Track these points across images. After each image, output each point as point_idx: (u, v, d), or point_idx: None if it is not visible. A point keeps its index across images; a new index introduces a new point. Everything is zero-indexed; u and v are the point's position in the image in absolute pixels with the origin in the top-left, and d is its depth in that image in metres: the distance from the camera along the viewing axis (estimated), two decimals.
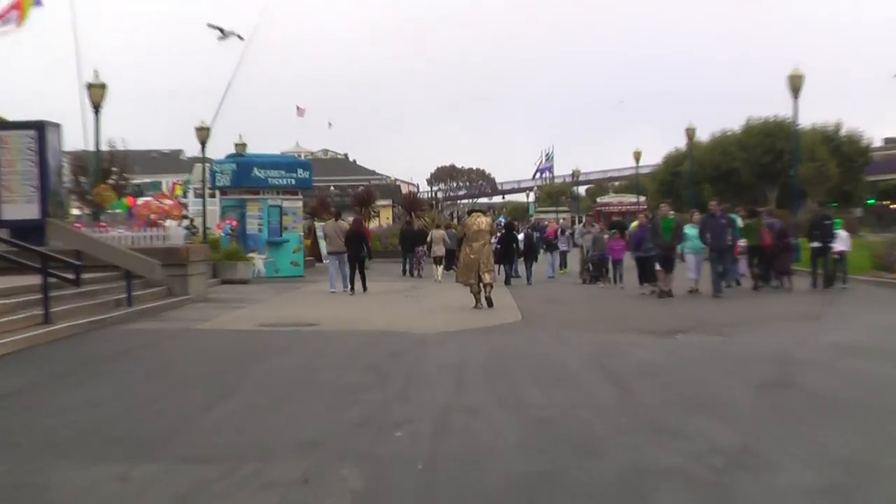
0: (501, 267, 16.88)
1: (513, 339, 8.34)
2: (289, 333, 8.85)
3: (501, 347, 7.76)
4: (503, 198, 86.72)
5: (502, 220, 46.70)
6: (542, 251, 24.63)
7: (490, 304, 11.56)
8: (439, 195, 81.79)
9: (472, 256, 11.69)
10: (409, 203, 30.53)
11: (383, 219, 47.34)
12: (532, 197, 69.57)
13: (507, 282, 16.77)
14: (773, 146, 35.50)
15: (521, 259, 18.01)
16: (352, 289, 14.35)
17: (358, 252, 14.46)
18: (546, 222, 37.79)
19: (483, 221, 11.90)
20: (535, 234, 30.83)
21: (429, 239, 18.97)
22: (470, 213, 12.83)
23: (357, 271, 14.47)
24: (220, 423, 4.72)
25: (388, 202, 51.91)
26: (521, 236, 19.03)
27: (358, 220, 15.67)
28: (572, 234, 23.06)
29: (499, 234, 18.30)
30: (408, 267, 20.66)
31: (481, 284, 11.66)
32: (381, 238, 26.21)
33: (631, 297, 13.45)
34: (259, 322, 9.80)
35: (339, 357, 7.21)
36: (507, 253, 16.94)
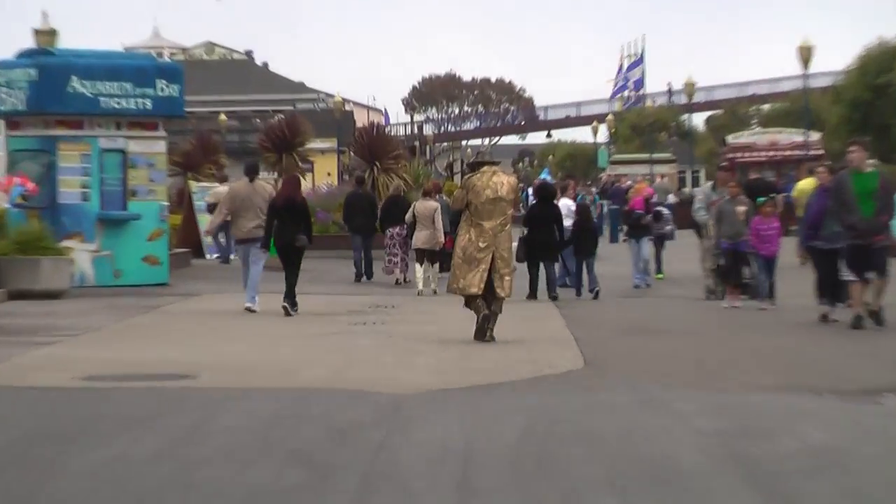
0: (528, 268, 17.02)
1: (567, 405, 8.39)
2: (142, 394, 8.89)
3: (546, 421, 7.78)
4: (549, 136, 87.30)
5: (545, 176, 46.94)
6: (620, 236, 24.62)
7: (487, 334, 11.73)
8: (427, 131, 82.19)
9: (480, 244, 11.82)
10: (370, 145, 30.47)
11: (321, 175, 47.51)
12: (604, 135, 69.77)
13: (551, 294, 16.96)
14: None
15: (570, 252, 18.15)
16: (291, 304, 14.64)
17: (293, 236, 14.71)
18: (629, 182, 37.98)
19: (503, 182, 12.01)
20: (605, 205, 30.45)
21: (409, 215, 18.99)
22: (474, 166, 12.89)
23: (293, 268, 14.85)
24: None
25: (328, 144, 52.04)
26: (569, 206, 19.08)
27: (293, 181, 15.83)
28: (674, 207, 22.94)
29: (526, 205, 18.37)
30: (363, 266, 20.94)
31: (490, 311, 11.80)
32: (318, 211, 26.29)
33: (796, 326, 13.53)
34: (84, 372, 9.83)
35: (239, 438, 7.22)
36: (539, 240, 17.09)
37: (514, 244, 14.43)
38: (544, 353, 11.25)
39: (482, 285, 11.74)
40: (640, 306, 16.62)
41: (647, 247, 19.49)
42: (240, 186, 15.84)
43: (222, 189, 25.07)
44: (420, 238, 18.44)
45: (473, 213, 11.90)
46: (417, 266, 18.55)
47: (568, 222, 18.21)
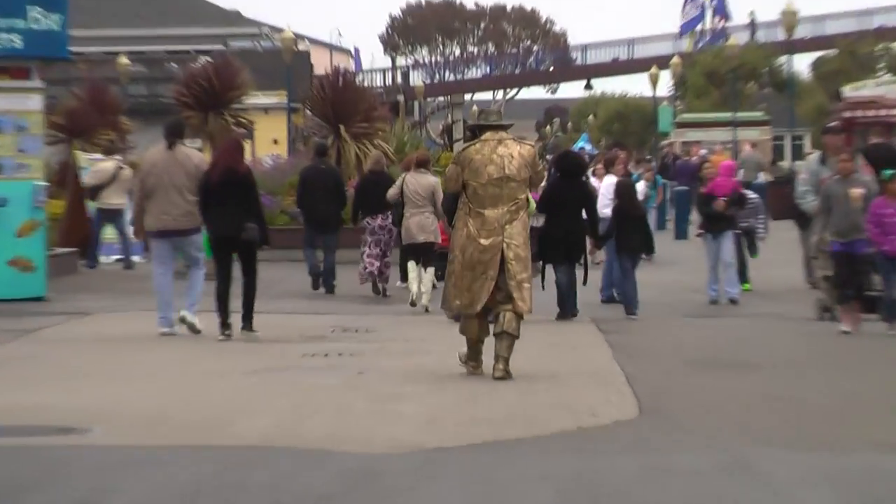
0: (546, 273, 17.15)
1: (615, 470, 8.40)
2: (11, 456, 8.84)
3: (585, 493, 7.79)
4: (588, 87, 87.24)
5: (584, 145, 46.48)
6: (690, 230, 24.39)
7: (500, 366, 11.82)
8: (416, 80, 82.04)
9: (482, 242, 11.86)
10: (335, 100, 30.42)
11: (264, 142, 47.19)
12: (667, 85, 69.75)
13: (570, 308, 17.10)
14: None
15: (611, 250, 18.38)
16: (224, 323, 14.89)
17: (237, 225, 14.80)
18: (703, 153, 37.78)
19: (512, 154, 12.04)
20: (669, 186, 30.31)
21: (394, 191, 18.89)
22: (475, 130, 12.90)
23: (245, 274, 15.12)
24: None
25: (275, 99, 51.75)
26: (607, 185, 19.02)
27: (233, 146, 15.79)
28: (767, 189, 22.65)
29: (545, 186, 18.26)
30: (324, 273, 21.06)
31: (502, 315, 11.86)
32: (261, 194, 26.29)
33: None
34: None
35: None
36: (559, 232, 17.17)
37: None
38: (582, 395, 11.24)
39: (486, 299, 11.82)
40: (719, 330, 16.59)
41: (731, 245, 19.37)
42: (155, 156, 15.75)
43: (107, 166, 25.05)
44: (412, 227, 18.27)
45: (472, 199, 11.94)
46: (411, 265, 18.52)
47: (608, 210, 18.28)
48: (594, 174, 23.85)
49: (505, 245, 11.82)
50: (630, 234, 17.82)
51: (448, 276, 12.22)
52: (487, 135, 12.20)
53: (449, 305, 12.27)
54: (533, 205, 15.77)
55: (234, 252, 15.01)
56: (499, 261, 11.79)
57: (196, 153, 16.26)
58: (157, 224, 15.36)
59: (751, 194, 20.57)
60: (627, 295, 17.79)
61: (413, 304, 18.15)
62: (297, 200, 22.69)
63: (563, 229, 17.03)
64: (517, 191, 11.99)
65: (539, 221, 16.83)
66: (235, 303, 15.04)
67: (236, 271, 15.18)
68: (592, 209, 17.33)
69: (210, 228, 14.94)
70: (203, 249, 15.53)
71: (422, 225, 18.18)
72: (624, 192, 18.42)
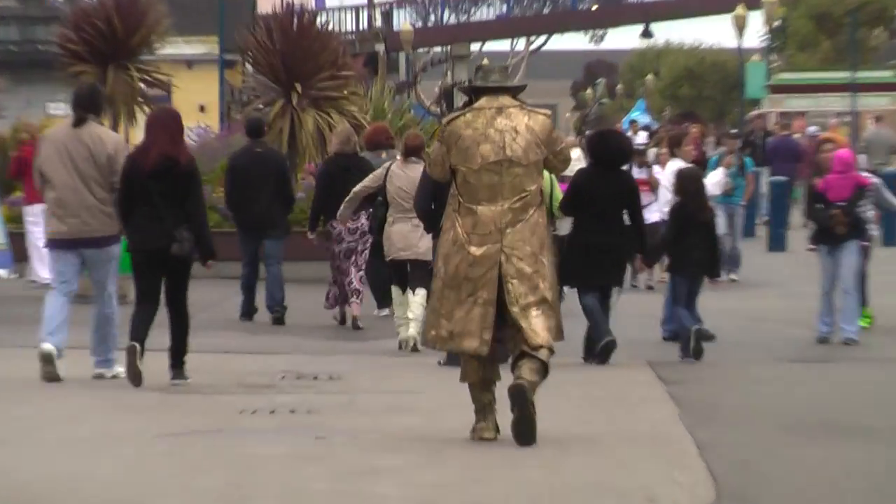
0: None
1: None
2: None
3: None
4: (647, 34, 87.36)
5: (638, 115, 46.75)
6: (788, 236, 24.57)
7: (522, 430, 11.81)
8: (402, 22, 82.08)
9: (474, 251, 11.92)
10: (286, 50, 30.54)
11: (187, 111, 47.27)
12: (760, 33, 69.96)
13: (594, 352, 17.30)
14: None
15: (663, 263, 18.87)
16: (136, 354, 14.96)
17: (169, 235, 14.97)
18: (812, 129, 37.76)
19: (516, 128, 12.06)
20: (761, 174, 30.45)
21: (370, 183, 19.06)
22: (471, 93, 12.87)
23: (172, 301, 15.35)
24: None
25: (203, 48, 51.91)
26: (671, 172, 19.18)
27: (168, 121, 15.91)
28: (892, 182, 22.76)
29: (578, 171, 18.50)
30: (272, 298, 21.38)
31: (522, 352, 11.85)
32: None
33: None
34: None
35: None
36: (593, 243, 17.37)
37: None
38: (635, 471, 11.29)
39: (488, 334, 11.76)
40: (829, 380, 16.66)
41: (854, 262, 19.35)
42: (56, 136, 15.95)
43: None
44: (396, 238, 18.51)
45: (462, 190, 11.97)
46: (395, 291, 18.75)
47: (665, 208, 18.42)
48: (658, 160, 23.97)
49: (504, 257, 11.79)
50: (690, 247, 17.64)
51: (430, 298, 12.27)
52: (483, 101, 12.16)
53: (424, 338, 12.27)
54: (558, 198, 15.88)
55: (163, 273, 15.15)
56: (496, 278, 11.75)
57: (112, 136, 16.30)
58: (61, 229, 15.47)
59: (870, 177, 20.45)
60: (685, 329, 17.62)
61: (403, 345, 18.30)
62: (225, 196, 22.79)
63: (594, 238, 17.14)
64: (525, 179, 11.93)
65: (566, 228, 16.87)
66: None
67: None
68: (637, 211, 17.36)
69: (134, 239, 15.10)
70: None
71: (410, 236, 18.27)
72: (687, 185, 18.21)
